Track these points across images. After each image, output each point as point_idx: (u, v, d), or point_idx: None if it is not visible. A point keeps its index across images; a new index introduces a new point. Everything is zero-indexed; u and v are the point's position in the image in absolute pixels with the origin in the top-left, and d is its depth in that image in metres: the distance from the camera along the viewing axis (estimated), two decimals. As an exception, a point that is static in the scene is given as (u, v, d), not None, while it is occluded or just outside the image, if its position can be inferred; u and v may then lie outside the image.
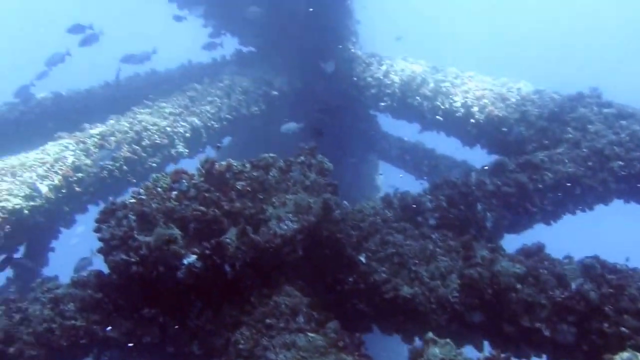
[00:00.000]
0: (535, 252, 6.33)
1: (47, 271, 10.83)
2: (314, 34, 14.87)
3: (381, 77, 13.40)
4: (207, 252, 5.68)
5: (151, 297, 6.06)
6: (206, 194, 6.97)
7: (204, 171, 7.12)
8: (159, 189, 7.05)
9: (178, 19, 15.46)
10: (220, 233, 6.34)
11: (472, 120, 10.86)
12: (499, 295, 5.73)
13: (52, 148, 10.58)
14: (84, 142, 10.94)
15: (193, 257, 5.71)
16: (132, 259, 5.77)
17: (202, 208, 6.90)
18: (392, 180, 17.16)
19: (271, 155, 7.37)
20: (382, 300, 6.05)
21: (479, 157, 11.55)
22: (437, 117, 11.71)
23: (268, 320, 5.47)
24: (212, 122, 13.04)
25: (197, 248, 5.82)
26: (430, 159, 13.81)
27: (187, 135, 12.44)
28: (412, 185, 12.89)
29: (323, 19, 14.78)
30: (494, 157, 10.67)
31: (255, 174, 7.19)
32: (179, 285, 5.79)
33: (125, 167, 11.20)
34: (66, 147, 10.66)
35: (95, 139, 11.14)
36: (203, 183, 7.06)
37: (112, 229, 6.11)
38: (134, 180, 11.38)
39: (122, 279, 5.93)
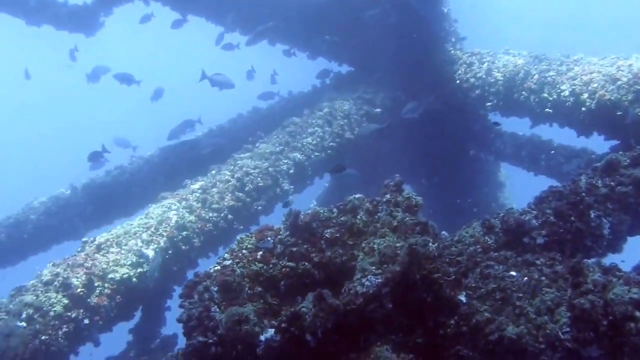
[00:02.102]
0: (655, 269, 5.52)
1: (165, 330, 11.02)
2: (410, 42, 14.38)
3: (484, 77, 12.69)
4: (284, 325, 5.35)
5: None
6: (293, 249, 6.70)
7: (288, 224, 6.85)
8: (244, 251, 6.86)
9: (229, 47, 15.50)
10: (313, 288, 6.05)
11: (583, 109, 9.95)
12: (615, 326, 5.01)
13: (155, 210, 10.80)
14: (186, 200, 11.05)
15: (271, 332, 5.41)
16: (210, 340, 5.54)
17: (290, 264, 6.63)
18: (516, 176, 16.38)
19: (357, 196, 6.97)
20: (487, 342, 5.46)
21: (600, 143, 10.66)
22: (546, 110, 10.86)
23: (357, 390, 5.06)
24: (316, 153, 12.82)
25: (274, 321, 5.51)
26: (547, 152, 12.86)
27: (291, 171, 12.29)
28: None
29: (417, 25, 14.29)
30: (614, 144, 9.82)
31: (343, 219, 6.83)
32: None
33: (230, 216, 11.20)
34: (169, 207, 10.82)
35: (197, 194, 11.23)
36: (289, 237, 6.79)
37: (191, 306, 5.93)
38: (241, 227, 11.35)
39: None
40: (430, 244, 5.88)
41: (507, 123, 13.43)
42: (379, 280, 5.51)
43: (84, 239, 10.04)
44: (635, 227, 6.85)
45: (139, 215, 10.82)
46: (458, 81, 13.39)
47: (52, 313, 8.56)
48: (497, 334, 5.42)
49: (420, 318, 5.90)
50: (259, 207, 11.81)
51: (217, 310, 5.90)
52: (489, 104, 12.48)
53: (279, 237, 6.84)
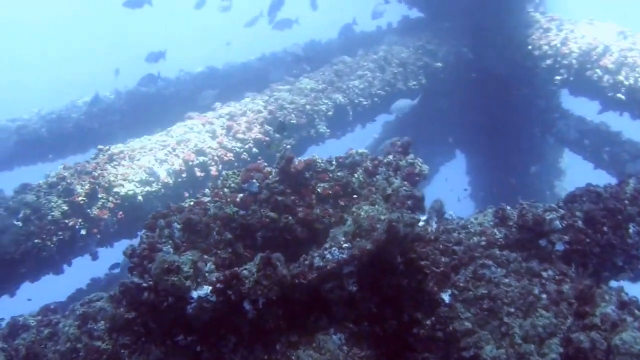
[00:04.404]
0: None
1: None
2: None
3: (558, 45, 11.33)
4: (220, 286, 4.49)
5: (186, 322, 5.01)
6: (279, 198, 5.83)
7: (279, 169, 5.96)
8: (226, 190, 6.01)
9: None
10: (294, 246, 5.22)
11: (662, 101, 8.64)
12: (615, 381, 3.96)
13: (177, 130, 10.17)
14: (210, 123, 10.31)
15: (206, 289, 4.56)
16: (145, 284, 4.75)
17: (272, 215, 5.77)
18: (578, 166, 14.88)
19: (359, 151, 6.02)
20: (459, 357, 4.52)
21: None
22: (619, 95, 9.55)
23: (285, 384, 4.20)
24: (361, 99, 11.82)
25: (214, 278, 4.65)
26: (613, 145, 11.50)
27: (330, 113, 11.33)
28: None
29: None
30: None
31: (339, 174, 5.90)
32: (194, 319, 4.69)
33: (255, 150, 10.40)
34: (191, 128, 10.13)
35: (224, 119, 10.50)
36: (277, 184, 5.91)
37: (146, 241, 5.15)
38: (265, 164, 10.58)
39: (132, 305, 4.93)
40: (421, 223, 4.92)
41: (576, 104, 12.12)
42: (343, 257, 4.58)
43: (99, 146, 9.50)
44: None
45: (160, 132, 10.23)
46: (530, 47, 12.02)
47: (49, 217, 8.22)
48: (473, 351, 4.47)
49: (395, 309, 4.99)
50: (288, 146, 10.92)
51: (171, 251, 5.13)
52: (558, 77, 11.15)
53: (267, 181, 5.96)
